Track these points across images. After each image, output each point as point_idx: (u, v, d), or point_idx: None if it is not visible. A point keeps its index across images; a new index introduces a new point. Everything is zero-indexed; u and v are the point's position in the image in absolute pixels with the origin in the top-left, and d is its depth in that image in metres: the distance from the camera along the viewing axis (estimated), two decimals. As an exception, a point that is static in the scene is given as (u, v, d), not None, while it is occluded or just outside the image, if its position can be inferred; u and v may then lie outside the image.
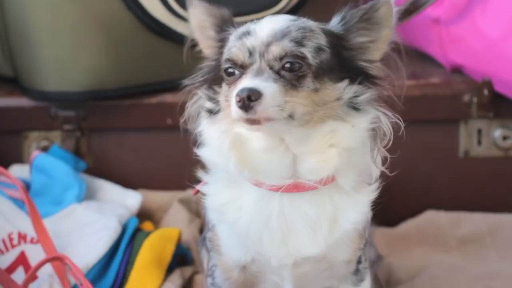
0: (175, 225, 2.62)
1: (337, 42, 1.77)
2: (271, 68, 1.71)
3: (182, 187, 2.62)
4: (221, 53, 1.82)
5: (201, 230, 2.61)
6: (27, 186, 2.56)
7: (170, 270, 2.45)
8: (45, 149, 2.71)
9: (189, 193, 2.67)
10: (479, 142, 2.79)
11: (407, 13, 2.50)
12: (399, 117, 1.77)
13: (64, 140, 2.76)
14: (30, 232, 2.39)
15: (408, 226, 2.78)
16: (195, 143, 1.85)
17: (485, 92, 2.70)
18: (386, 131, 1.77)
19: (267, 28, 1.74)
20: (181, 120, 1.89)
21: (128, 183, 2.76)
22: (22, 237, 2.40)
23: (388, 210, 2.46)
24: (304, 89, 1.71)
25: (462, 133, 2.79)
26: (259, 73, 1.70)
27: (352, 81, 1.76)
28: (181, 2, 2.63)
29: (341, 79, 1.75)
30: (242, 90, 1.66)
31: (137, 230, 2.50)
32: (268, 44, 1.72)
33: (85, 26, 2.64)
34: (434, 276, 2.48)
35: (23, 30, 2.66)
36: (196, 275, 2.49)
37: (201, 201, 1.89)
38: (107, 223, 2.44)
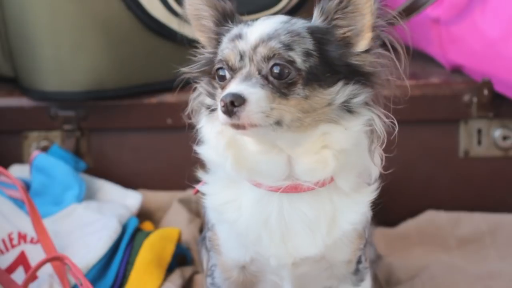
0: (175, 225, 2.62)
1: (322, 39, 1.73)
2: (259, 73, 1.70)
3: (182, 187, 2.62)
4: (216, 48, 1.81)
5: (201, 230, 2.61)
6: (27, 186, 2.56)
7: (170, 270, 2.45)
8: (45, 149, 2.71)
9: (189, 193, 2.67)
10: (479, 142, 2.79)
11: (407, 13, 2.50)
12: (393, 118, 1.76)
13: (64, 140, 2.76)
14: (30, 232, 2.39)
15: (408, 226, 2.78)
16: (195, 140, 1.85)
17: (485, 92, 2.70)
18: (380, 133, 1.75)
19: (257, 32, 1.72)
20: (185, 114, 1.88)
21: (128, 183, 2.76)
22: (22, 237, 2.40)
23: (388, 210, 2.47)
24: (294, 97, 1.70)
25: (462, 133, 2.79)
26: (247, 78, 1.70)
27: (347, 81, 1.74)
28: (181, 2, 2.63)
29: (333, 82, 1.73)
30: (226, 95, 1.65)
31: (137, 230, 2.50)
32: (255, 47, 1.71)
33: (85, 26, 2.64)
34: (434, 276, 2.49)
35: (23, 30, 2.66)
36: (196, 275, 2.49)
37: (201, 200, 1.89)
38: (107, 223, 2.44)
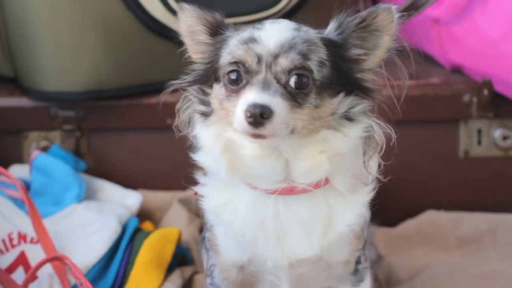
0: (175, 225, 2.62)
1: (335, 52, 1.74)
2: (278, 81, 1.69)
3: (182, 187, 2.59)
4: (215, 55, 1.78)
5: (201, 230, 2.61)
6: (27, 186, 2.56)
7: (170, 270, 2.45)
8: (45, 149, 2.72)
9: (189, 193, 2.67)
10: (479, 142, 2.79)
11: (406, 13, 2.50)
12: (391, 127, 1.76)
13: (64, 140, 2.76)
14: (30, 232, 2.39)
15: (408, 226, 2.78)
16: (191, 147, 1.84)
17: (485, 92, 2.70)
18: (379, 140, 1.76)
19: (274, 37, 1.70)
20: (174, 125, 1.87)
21: (128, 183, 2.76)
22: (22, 237, 2.40)
23: (388, 210, 2.47)
24: (307, 106, 1.70)
25: (462, 133, 2.78)
26: (265, 85, 1.67)
27: (348, 93, 1.74)
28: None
29: (337, 93, 1.74)
30: (254, 106, 1.63)
31: (137, 230, 2.50)
32: (276, 56, 1.69)
33: (85, 26, 2.64)
34: (434, 276, 2.48)
35: (23, 30, 2.66)
36: (196, 275, 2.49)
37: (199, 202, 1.89)
38: (107, 223, 2.44)
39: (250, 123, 1.64)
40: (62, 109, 2.74)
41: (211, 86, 1.79)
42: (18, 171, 2.70)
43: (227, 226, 1.84)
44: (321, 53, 1.72)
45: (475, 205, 2.81)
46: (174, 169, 2.75)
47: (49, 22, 2.63)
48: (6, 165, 2.67)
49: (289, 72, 1.69)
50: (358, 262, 1.92)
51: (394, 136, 1.76)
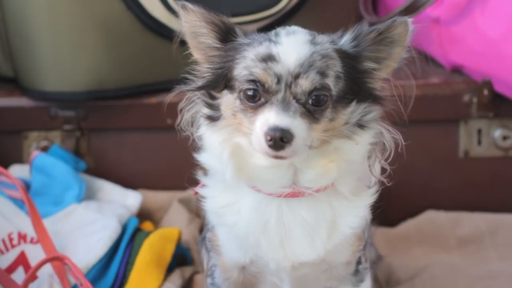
0: (175, 225, 2.62)
1: (350, 65, 1.73)
2: (297, 101, 1.68)
3: (182, 187, 2.60)
4: (227, 62, 1.75)
5: (201, 230, 2.61)
6: (27, 186, 2.56)
7: (170, 270, 2.45)
8: (45, 149, 2.71)
9: (189, 193, 2.67)
10: (479, 142, 2.79)
11: (407, 13, 2.50)
12: (399, 133, 1.77)
13: (64, 140, 2.76)
14: (30, 232, 2.39)
15: (408, 226, 2.78)
16: (194, 147, 1.84)
17: (485, 92, 2.70)
18: (388, 146, 1.76)
19: (293, 55, 1.68)
20: (176, 124, 1.86)
21: (128, 183, 2.76)
22: (22, 237, 2.40)
23: (388, 210, 2.47)
24: (323, 120, 1.70)
25: (462, 133, 2.78)
26: (285, 105, 1.66)
27: (359, 101, 1.74)
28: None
29: (350, 102, 1.74)
30: (275, 130, 1.63)
31: (137, 230, 2.50)
32: (296, 76, 1.67)
33: (85, 26, 2.64)
34: (434, 276, 2.48)
35: (23, 30, 2.66)
36: (196, 275, 2.49)
37: (200, 202, 1.89)
38: (107, 223, 2.44)
39: (271, 146, 1.63)
40: (62, 109, 2.74)
41: (220, 91, 1.77)
42: (18, 171, 2.70)
43: (229, 227, 1.84)
44: (337, 66, 1.72)
45: (475, 205, 2.81)
46: (174, 169, 2.76)
47: (49, 22, 2.63)
48: (6, 165, 2.67)
49: (310, 93, 1.68)
50: (358, 262, 1.92)
51: (402, 142, 1.76)
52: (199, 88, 1.80)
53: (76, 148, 2.76)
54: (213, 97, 1.79)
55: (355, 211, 1.82)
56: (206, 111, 1.80)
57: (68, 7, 2.62)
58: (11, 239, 2.39)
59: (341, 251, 1.85)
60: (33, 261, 2.36)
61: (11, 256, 2.37)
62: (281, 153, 1.64)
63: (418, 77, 2.75)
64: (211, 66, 1.79)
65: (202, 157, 1.82)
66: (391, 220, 2.78)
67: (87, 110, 2.75)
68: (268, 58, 1.69)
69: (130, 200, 2.65)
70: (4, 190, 2.50)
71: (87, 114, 2.75)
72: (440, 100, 2.74)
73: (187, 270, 2.49)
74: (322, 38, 1.75)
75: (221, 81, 1.77)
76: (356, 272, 1.93)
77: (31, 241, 2.40)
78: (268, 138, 1.63)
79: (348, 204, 1.81)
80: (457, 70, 2.83)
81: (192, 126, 1.84)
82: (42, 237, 2.30)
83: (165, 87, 2.71)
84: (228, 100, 1.75)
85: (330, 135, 1.72)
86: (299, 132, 1.64)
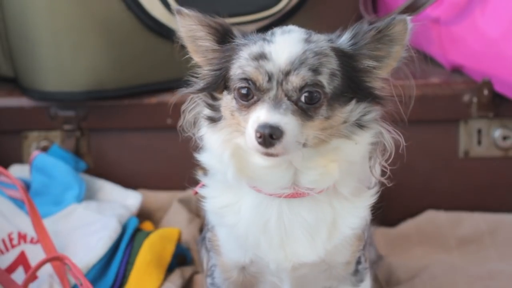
0: (175, 225, 2.62)
1: (347, 63, 1.73)
2: (289, 98, 1.68)
3: (182, 187, 2.61)
4: (226, 63, 1.76)
5: (201, 230, 2.61)
6: (27, 186, 2.56)
7: (170, 270, 2.45)
8: (45, 149, 2.71)
9: (189, 193, 2.67)
10: (479, 142, 2.79)
11: (406, 13, 2.50)
12: (400, 133, 1.77)
13: (64, 140, 2.76)
14: (30, 232, 2.39)
15: (408, 226, 2.78)
16: (195, 147, 1.84)
17: (485, 92, 2.69)
18: (388, 147, 1.76)
19: (284, 53, 1.68)
20: (178, 125, 1.87)
21: (128, 183, 2.76)
22: (22, 237, 2.40)
23: (388, 210, 2.46)
24: (318, 118, 1.70)
25: (462, 133, 2.78)
26: (276, 102, 1.67)
27: (359, 100, 1.74)
28: (181, 2, 2.63)
29: (348, 101, 1.73)
30: (264, 127, 1.63)
31: (137, 230, 2.50)
32: (286, 73, 1.68)
33: (85, 26, 2.64)
34: (434, 276, 2.48)
35: (23, 30, 2.66)
36: (196, 275, 2.49)
37: (200, 202, 1.89)
38: (107, 223, 2.44)
39: (260, 143, 1.64)
40: (62, 109, 2.74)
41: (221, 92, 1.78)
42: (18, 171, 2.70)
43: (230, 228, 1.84)
44: (333, 63, 1.71)
45: (475, 205, 2.81)
46: (174, 169, 2.76)
47: (49, 22, 2.63)
48: (6, 165, 2.67)
49: (300, 89, 1.68)
50: (358, 262, 1.92)
51: (403, 142, 1.76)
52: (201, 90, 1.81)
53: (76, 148, 2.76)
54: (214, 98, 1.80)
55: (356, 212, 1.82)
56: (207, 112, 1.81)
57: (68, 7, 2.62)
58: (11, 239, 2.39)
59: (341, 251, 1.85)
60: (33, 261, 2.36)
61: (11, 256, 2.37)
62: (271, 150, 1.64)
63: (418, 77, 2.76)
64: (211, 68, 1.80)
65: (203, 157, 1.82)
66: (391, 220, 2.78)
67: (87, 110, 2.75)
68: (260, 57, 1.70)
69: (130, 200, 2.65)
70: (4, 190, 2.50)
71: (87, 114, 2.75)
72: (440, 100, 2.74)
73: (187, 270, 2.49)
74: (318, 37, 1.75)
75: (221, 82, 1.77)
76: (356, 272, 1.93)
77: (31, 241, 2.40)
78: (258, 135, 1.64)
79: (349, 205, 1.81)
80: (457, 70, 2.83)
81: (194, 126, 1.85)
82: (42, 237, 2.30)
83: (165, 87, 2.73)
84: (226, 101, 1.77)
85: (328, 134, 1.72)
86: (290, 129, 1.64)
